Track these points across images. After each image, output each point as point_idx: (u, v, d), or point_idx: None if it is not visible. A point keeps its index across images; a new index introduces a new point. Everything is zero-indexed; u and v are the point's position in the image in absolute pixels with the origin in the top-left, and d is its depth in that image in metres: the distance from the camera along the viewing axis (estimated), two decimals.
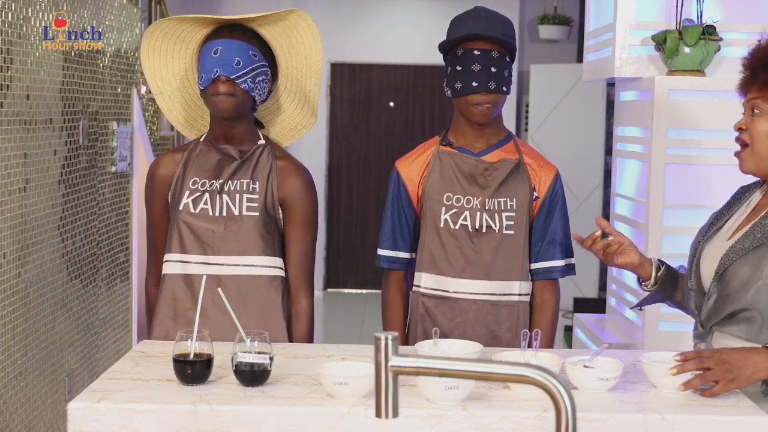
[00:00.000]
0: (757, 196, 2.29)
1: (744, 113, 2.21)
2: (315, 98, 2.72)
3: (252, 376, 2.06)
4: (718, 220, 2.32)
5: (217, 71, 2.48)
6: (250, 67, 2.51)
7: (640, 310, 2.52)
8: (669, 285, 2.39)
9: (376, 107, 8.93)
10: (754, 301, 2.12)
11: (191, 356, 2.08)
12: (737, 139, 2.21)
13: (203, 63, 2.52)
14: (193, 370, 2.07)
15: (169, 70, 2.65)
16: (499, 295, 2.66)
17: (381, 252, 2.75)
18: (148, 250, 2.71)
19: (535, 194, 2.69)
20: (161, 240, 2.63)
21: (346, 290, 8.99)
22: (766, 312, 2.11)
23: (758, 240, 2.13)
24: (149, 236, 2.68)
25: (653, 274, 2.37)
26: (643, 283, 2.40)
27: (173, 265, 2.55)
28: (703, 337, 2.24)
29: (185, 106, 2.72)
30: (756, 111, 2.16)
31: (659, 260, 2.41)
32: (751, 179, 2.31)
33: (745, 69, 2.22)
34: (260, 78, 2.54)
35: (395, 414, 1.20)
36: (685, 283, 2.36)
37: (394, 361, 1.18)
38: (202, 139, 2.64)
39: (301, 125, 2.79)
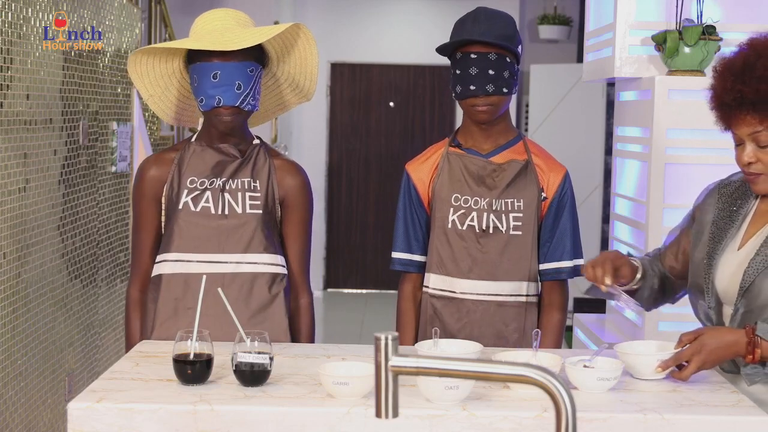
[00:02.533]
0: (752, 202, 2.27)
1: (740, 145, 2.17)
2: (310, 90, 2.71)
3: (252, 376, 2.06)
4: (722, 231, 2.28)
5: (220, 100, 2.47)
6: (250, 86, 2.50)
7: (593, 297, 2.53)
8: (644, 292, 2.40)
9: (376, 107, 8.93)
10: None
11: (191, 356, 2.08)
12: (749, 173, 2.18)
13: (201, 85, 2.49)
14: (193, 370, 2.07)
15: (156, 72, 2.62)
16: (506, 295, 2.66)
17: (395, 255, 2.76)
18: (132, 253, 2.66)
19: (544, 195, 2.68)
20: (148, 242, 2.60)
21: (346, 290, 8.98)
22: None
23: None
24: (135, 239, 2.64)
25: (634, 282, 2.37)
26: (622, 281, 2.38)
27: (172, 264, 2.54)
28: None
29: (174, 102, 2.71)
30: (763, 143, 2.13)
31: (642, 264, 2.39)
32: (718, 177, 2.33)
33: (729, 102, 2.15)
34: (258, 85, 2.54)
35: (395, 414, 1.20)
36: (694, 298, 2.33)
37: (394, 361, 1.18)
38: (194, 139, 2.61)
39: (290, 103, 2.79)
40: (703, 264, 2.27)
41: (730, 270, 2.22)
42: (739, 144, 2.18)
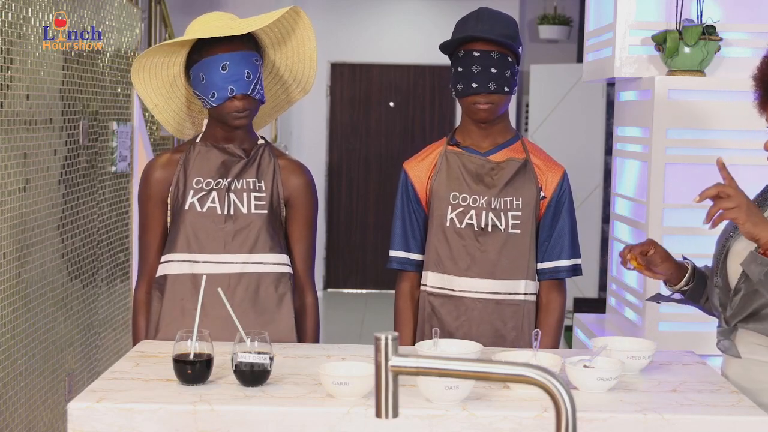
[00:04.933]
0: None
1: None
2: (309, 80, 2.72)
3: (252, 376, 2.06)
4: None
5: (233, 89, 2.47)
6: (257, 74, 2.51)
7: (657, 303, 2.57)
8: (697, 294, 2.40)
9: (376, 107, 8.93)
10: None
11: (191, 356, 2.08)
12: None
13: (212, 79, 2.48)
14: (193, 370, 2.07)
15: (158, 79, 2.61)
16: (504, 294, 2.67)
17: (392, 253, 2.76)
18: (139, 254, 2.66)
19: (542, 194, 2.69)
20: (155, 244, 2.60)
21: (346, 290, 8.99)
22: None
23: None
24: (142, 240, 2.64)
25: (683, 283, 2.38)
26: (668, 285, 2.41)
27: (178, 265, 2.53)
28: (726, 334, 2.26)
29: (177, 111, 2.70)
30: None
31: (694, 266, 2.40)
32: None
33: (760, 85, 2.21)
34: (262, 77, 2.55)
35: (395, 414, 1.20)
36: (710, 280, 2.36)
37: (394, 361, 1.18)
38: (198, 140, 2.61)
39: (285, 102, 2.79)
40: (722, 243, 2.31)
41: (741, 253, 2.23)
42: None
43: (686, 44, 3.35)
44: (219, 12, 2.60)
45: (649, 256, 2.32)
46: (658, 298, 2.48)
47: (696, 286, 2.38)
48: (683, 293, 2.41)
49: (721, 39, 3.41)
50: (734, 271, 2.25)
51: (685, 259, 2.44)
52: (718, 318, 2.31)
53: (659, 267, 2.34)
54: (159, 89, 2.63)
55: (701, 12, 3.42)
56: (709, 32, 3.37)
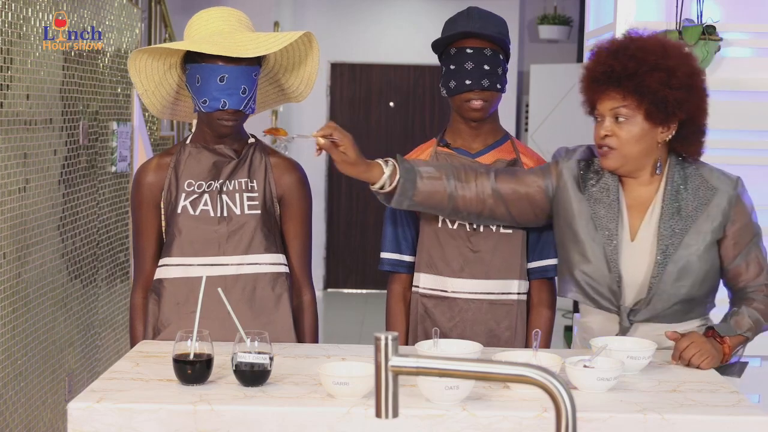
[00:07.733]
0: (613, 190, 2.42)
1: (600, 120, 2.36)
2: (303, 95, 2.70)
3: (252, 376, 2.06)
4: (606, 218, 2.42)
5: (225, 103, 2.44)
6: (253, 89, 2.49)
7: (387, 204, 2.56)
8: (406, 195, 2.44)
9: (376, 107, 8.93)
10: (689, 295, 2.40)
11: (191, 356, 2.08)
12: (602, 146, 2.37)
13: (206, 87, 2.45)
14: (193, 370, 2.07)
15: (153, 67, 2.56)
16: (498, 294, 2.67)
17: (383, 255, 2.75)
18: (135, 259, 2.65)
19: None
20: (150, 248, 2.58)
21: (346, 290, 8.99)
22: (694, 304, 2.43)
23: (675, 245, 2.37)
24: (137, 244, 2.63)
25: (380, 183, 2.41)
26: (372, 187, 2.45)
27: (174, 269, 2.53)
28: (624, 332, 2.44)
29: (165, 96, 2.64)
30: (621, 119, 2.33)
31: (396, 164, 2.43)
32: (570, 144, 2.54)
33: (599, 77, 2.33)
34: (256, 89, 2.52)
35: (395, 414, 1.20)
36: (564, 266, 2.50)
37: (394, 361, 1.18)
38: (188, 141, 2.59)
39: (274, 102, 2.76)
40: (606, 250, 2.41)
41: (633, 260, 2.41)
42: (600, 121, 2.37)
43: (686, 44, 3.36)
44: (226, 9, 2.55)
45: (336, 142, 2.36)
46: (384, 198, 2.49)
47: (406, 186, 2.42)
48: (390, 197, 2.43)
49: (721, 39, 3.41)
50: (633, 277, 2.40)
51: (387, 160, 2.45)
52: (622, 315, 2.43)
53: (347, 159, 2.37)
54: (152, 75, 2.58)
55: (701, 12, 3.42)
56: (709, 32, 3.38)
